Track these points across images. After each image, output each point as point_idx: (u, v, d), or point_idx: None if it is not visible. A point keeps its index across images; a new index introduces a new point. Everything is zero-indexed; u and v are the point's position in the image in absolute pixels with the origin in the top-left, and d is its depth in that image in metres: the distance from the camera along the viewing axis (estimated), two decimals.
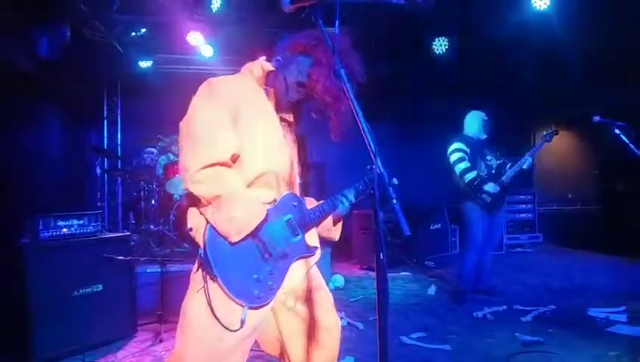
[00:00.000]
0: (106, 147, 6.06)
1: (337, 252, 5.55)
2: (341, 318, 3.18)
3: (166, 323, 3.07)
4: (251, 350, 1.48)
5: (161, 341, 2.97)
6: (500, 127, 3.96)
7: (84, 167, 5.56)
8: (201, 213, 1.36)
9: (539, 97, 6.07)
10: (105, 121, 6.17)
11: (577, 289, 4.11)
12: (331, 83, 1.37)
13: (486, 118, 3.88)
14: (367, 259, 5.34)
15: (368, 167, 1.14)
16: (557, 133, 3.79)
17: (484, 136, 3.88)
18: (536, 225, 6.27)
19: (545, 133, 3.83)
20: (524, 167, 3.75)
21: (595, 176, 6.37)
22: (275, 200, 1.49)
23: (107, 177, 5.96)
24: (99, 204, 5.68)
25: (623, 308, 3.41)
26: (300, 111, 1.60)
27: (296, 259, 1.52)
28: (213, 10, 4.26)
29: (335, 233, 1.74)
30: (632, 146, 2.72)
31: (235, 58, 5.20)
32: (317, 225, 1.65)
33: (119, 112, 6.29)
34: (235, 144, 1.39)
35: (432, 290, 4.27)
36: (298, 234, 1.52)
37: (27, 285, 2.57)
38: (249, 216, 1.32)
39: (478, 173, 3.74)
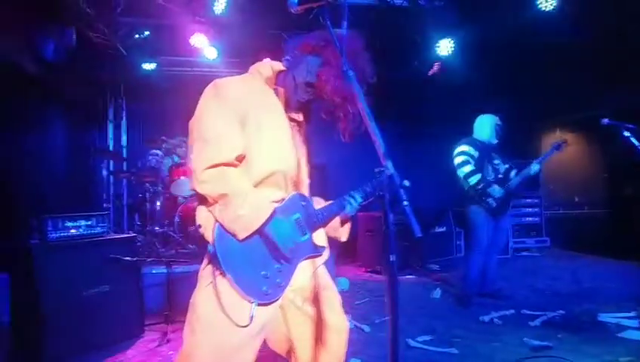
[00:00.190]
0: (111, 149, 6.10)
1: (342, 254, 5.54)
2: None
3: (173, 324, 3.08)
4: (260, 350, 1.48)
5: (168, 341, 2.98)
6: (505, 129, 3.92)
7: (90, 169, 5.59)
8: (209, 211, 1.39)
9: (545, 99, 6.03)
10: (110, 123, 6.21)
11: (587, 294, 4.06)
12: (340, 83, 1.37)
13: (499, 123, 3.85)
14: (372, 261, 5.33)
15: (377, 170, 1.14)
16: (567, 144, 3.74)
17: (495, 141, 3.85)
18: (543, 229, 6.22)
19: (555, 142, 3.77)
20: (531, 173, 3.72)
21: (603, 180, 6.31)
22: (283, 200, 1.50)
23: (112, 179, 5.99)
24: (104, 206, 5.71)
25: (634, 313, 3.35)
26: (309, 111, 1.60)
27: (304, 259, 1.53)
28: (217, 13, 4.27)
29: (342, 233, 1.74)
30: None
31: (239, 60, 5.22)
32: (325, 226, 1.64)
33: (124, 114, 6.33)
34: (241, 144, 1.40)
35: (437, 294, 4.24)
36: (306, 234, 1.53)
37: (36, 285, 2.59)
38: (255, 214, 1.34)
39: (482, 177, 3.72)
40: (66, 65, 4.10)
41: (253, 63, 1.61)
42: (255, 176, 1.44)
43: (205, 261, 1.45)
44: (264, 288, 1.38)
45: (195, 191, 1.38)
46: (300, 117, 1.62)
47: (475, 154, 3.75)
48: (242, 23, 4.48)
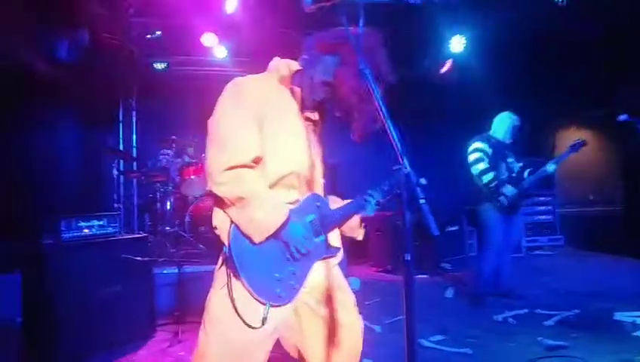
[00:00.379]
0: (121, 149, 6.14)
1: (353, 254, 5.52)
2: None
3: (184, 324, 3.09)
4: (273, 351, 1.47)
5: (179, 341, 2.98)
6: (521, 127, 3.87)
7: (100, 169, 5.63)
8: (225, 213, 1.40)
9: (561, 96, 5.93)
10: (120, 123, 6.26)
11: (601, 293, 3.99)
12: (357, 83, 1.36)
13: (517, 123, 3.80)
14: (383, 261, 5.30)
15: (395, 168, 1.13)
16: (585, 144, 3.65)
17: (510, 141, 3.81)
18: (557, 227, 6.14)
19: (573, 143, 3.68)
20: (547, 173, 3.65)
21: (618, 177, 6.19)
22: (298, 201, 1.49)
23: (123, 179, 6.03)
24: (115, 206, 5.75)
25: None
26: (325, 110, 1.59)
27: (319, 260, 1.53)
28: (228, 12, 4.28)
29: (360, 233, 1.72)
30: None
31: (250, 59, 5.23)
32: (340, 226, 1.64)
33: (134, 114, 6.37)
34: (258, 146, 1.40)
35: (450, 293, 4.20)
36: (320, 235, 1.52)
37: (49, 285, 2.61)
38: (270, 218, 1.35)
39: (496, 175, 3.67)
40: (78, 66, 4.14)
41: (264, 62, 1.60)
42: (270, 177, 1.44)
43: (220, 261, 1.46)
44: (278, 290, 1.39)
45: (211, 192, 1.39)
46: (315, 116, 1.61)
47: (490, 151, 3.71)
48: (253, 21, 4.48)
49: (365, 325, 3.36)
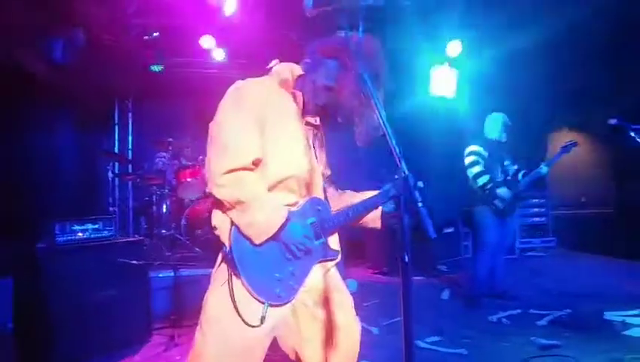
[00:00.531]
0: (117, 151, 6.10)
1: (350, 256, 5.54)
2: None
3: (180, 328, 3.08)
4: (274, 353, 1.49)
5: (175, 345, 2.97)
6: (514, 130, 3.92)
7: (96, 172, 5.60)
8: (225, 214, 1.42)
9: (554, 99, 6.02)
10: (116, 125, 6.22)
11: (593, 293, 4.05)
12: (358, 87, 1.38)
13: (508, 122, 3.85)
14: (380, 263, 5.32)
15: (397, 176, 1.14)
16: (576, 145, 3.72)
17: (505, 139, 3.85)
18: (549, 229, 6.21)
19: (564, 144, 3.75)
20: (540, 175, 3.71)
21: (609, 180, 6.29)
22: (298, 203, 1.51)
23: (118, 182, 6.00)
24: (110, 209, 5.71)
25: (639, 311, 3.35)
26: (327, 115, 1.61)
27: (318, 262, 1.55)
28: (226, 14, 4.29)
29: (379, 223, 1.74)
30: None
31: (247, 62, 5.23)
32: (343, 227, 1.65)
33: (130, 116, 6.34)
34: (259, 149, 1.42)
35: (445, 295, 4.24)
36: (320, 238, 1.55)
37: (43, 289, 2.59)
38: (270, 221, 1.37)
39: (491, 178, 3.72)
40: (73, 67, 4.11)
41: (262, 65, 1.62)
42: (270, 180, 1.46)
43: (219, 261, 1.48)
44: (277, 290, 1.42)
45: (210, 193, 1.41)
46: (317, 121, 1.62)
47: (485, 154, 3.76)
48: (251, 24, 4.49)
49: (363, 327, 3.38)
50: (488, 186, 3.70)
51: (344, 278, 1.74)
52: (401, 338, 1.13)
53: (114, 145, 6.15)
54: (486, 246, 3.80)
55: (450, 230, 5.84)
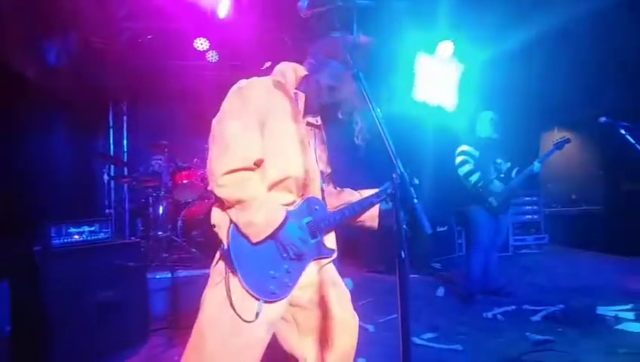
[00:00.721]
0: (112, 154, 6.09)
1: (344, 255, 5.56)
2: None
3: (178, 329, 3.09)
4: (274, 351, 1.51)
5: (173, 346, 2.98)
6: (505, 128, 3.98)
7: (91, 174, 5.58)
8: (224, 212, 1.45)
9: (544, 98, 6.09)
10: (111, 128, 6.20)
11: (585, 289, 4.12)
12: (359, 87, 1.41)
13: (494, 117, 3.90)
14: (375, 261, 5.35)
15: (394, 175, 1.17)
16: (569, 142, 3.77)
17: (496, 136, 3.90)
18: (542, 226, 6.29)
19: (557, 140, 3.80)
20: (533, 172, 3.76)
21: (599, 177, 6.38)
22: (295, 203, 1.55)
23: (114, 184, 5.98)
24: (107, 211, 5.69)
25: (630, 305, 3.42)
26: (328, 114, 1.64)
27: (314, 260, 1.58)
28: (220, 16, 4.30)
29: (377, 222, 1.78)
30: (637, 146, 2.75)
31: (242, 64, 5.24)
32: (344, 224, 1.69)
33: (125, 119, 6.32)
34: (260, 149, 1.45)
35: (440, 292, 4.28)
36: (316, 237, 1.58)
37: (40, 292, 2.57)
38: (268, 222, 1.41)
39: (481, 176, 3.77)
40: (67, 70, 4.10)
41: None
42: (269, 180, 1.49)
43: (217, 258, 1.52)
44: (272, 287, 1.45)
45: (211, 191, 1.44)
46: (318, 121, 1.66)
47: (476, 153, 3.81)
48: (245, 26, 4.49)
49: (359, 325, 3.41)
50: (480, 184, 3.75)
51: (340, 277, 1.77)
52: (399, 334, 1.14)
53: (109, 148, 6.14)
54: (480, 244, 3.85)
55: (444, 229, 5.89)
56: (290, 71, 1.60)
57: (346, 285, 4.70)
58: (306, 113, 1.60)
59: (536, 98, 6.08)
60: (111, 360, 2.78)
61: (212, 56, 5.24)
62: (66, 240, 2.78)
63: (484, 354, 2.78)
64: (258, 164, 1.46)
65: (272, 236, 1.43)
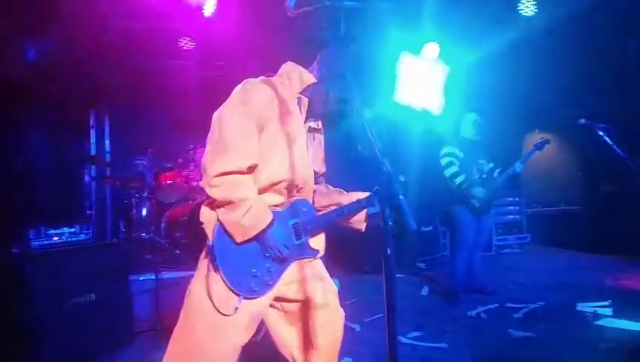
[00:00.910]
0: (93, 154, 5.96)
1: (331, 255, 5.57)
2: None
3: (162, 331, 3.04)
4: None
5: (158, 348, 2.93)
6: (489, 130, 4.05)
7: (72, 175, 5.46)
8: (213, 211, 1.48)
9: (526, 100, 6.22)
10: (92, 129, 6.08)
11: (565, 286, 4.22)
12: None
13: (477, 119, 3.97)
14: (361, 261, 5.37)
15: (384, 170, 1.17)
16: (548, 142, 3.88)
17: (478, 137, 3.97)
18: (524, 226, 6.41)
19: (537, 141, 3.90)
20: (515, 173, 3.84)
21: (579, 178, 6.55)
22: (283, 204, 1.57)
23: (95, 185, 5.86)
24: (88, 213, 5.58)
25: (608, 302, 3.51)
26: (329, 117, 1.66)
27: (297, 260, 1.61)
28: (206, 15, 4.26)
29: (364, 225, 1.80)
30: (615, 147, 2.83)
31: (228, 64, 5.21)
32: (326, 228, 1.71)
33: (107, 120, 6.20)
34: (256, 155, 1.47)
35: (425, 291, 4.32)
36: (301, 238, 1.60)
37: (19, 296, 2.51)
38: (254, 224, 1.44)
39: (466, 177, 3.83)
40: (48, 69, 4.01)
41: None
42: (263, 182, 1.51)
43: (204, 253, 1.56)
44: (252, 285, 1.49)
45: (203, 190, 1.47)
46: (319, 125, 1.69)
47: (460, 155, 3.87)
48: (230, 25, 4.47)
49: (345, 324, 3.42)
50: (464, 186, 3.81)
51: None
52: (385, 330, 1.14)
53: (90, 149, 6.01)
54: (463, 243, 3.91)
55: (428, 229, 5.95)
56: (296, 75, 1.62)
57: None
58: (308, 117, 1.63)
59: (519, 100, 6.21)
60: None
61: (196, 56, 5.18)
62: (45, 242, 2.73)
63: (468, 352, 2.82)
64: (252, 168, 1.49)
65: (256, 238, 1.47)
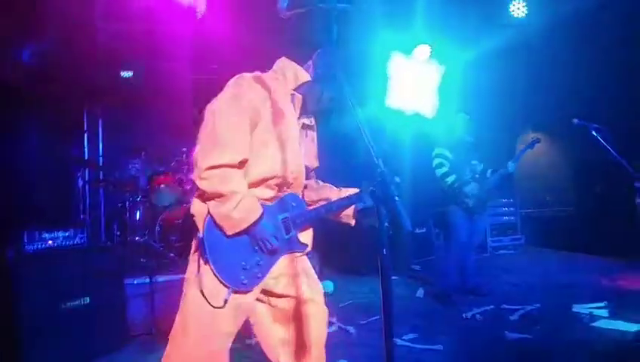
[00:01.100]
0: (87, 158, 5.92)
1: (326, 257, 5.56)
2: (332, 323, 3.20)
3: (157, 334, 3.02)
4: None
5: (153, 352, 2.91)
6: (482, 130, 4.09)
7: (65, 178, 5.42)
8: (204, 203, 1.50)
9: (519, 101, 6.26)
10: (85, 132, 6.04)
11: (560, 288, 4.23)
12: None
13: (471, 121, 4.00)
14: (356, 263, 5.36)
15: (378, 171, 1.17)
16: (539, 141, 3.93)
17: (469, 138, 3.99)
18: (518, 228, 6.44)
19: (529, 141, 3.95)
20: (508, 172, 3.87)
21: (573, 179, 6.59)
22: (273, 198, 1.59)
23: (89, 189, 5.82)
24: (82, 216, 5.53)
25: (604, 303, 3.52)
26: (322, 114, 1.67)
27: (286, 253, 1.63)
28: (199, 17, 4.26)
29: (353, 220, 1.80)
30: (608, 148, 2.86)
31: (221, 66, 5.20)
32: (313, 223, 1.73)
33: (100, 122, 6.17)
34: (248, 151, 1.48)
35: (420, 293, 4.32)
36: (291, 232, 1.62)
37: (13, 299, 2.49)
38: (244, 217, 1.46)
39: (457, 177, 3.85)
40: (42, 71, 3.99)
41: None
42: (253, 177, 1.52)
43: (194, 246, 1.57)
44: (242, 277, 1.51)
45: (194, 183, 1.48)
46: (312, 121, 1.71)
47: (451, 155, 3.90)
48: (225, 27, 4.47)
49: (340, 326, 3.43)
50: (456, 185, 3.83)
51: (321, 280, 1.79)
52: (382, 330, 1.14)
53: (84, 152, 5.97)
54: (457, 244, 3.92)
55: (422, 230, 5.96)
56: (291, 72, 1.63)
57: (327, 287, 4.71)
58: (302, 114, 1.65)
59: (513, 100, 6.24)
60: None
61: (189, 58, 5.16)
62: (39, 246, 2.71)
63: (464, 354, 2.83)
64: (243, 163, 1.49)
65: (246, 231, 1.48)
